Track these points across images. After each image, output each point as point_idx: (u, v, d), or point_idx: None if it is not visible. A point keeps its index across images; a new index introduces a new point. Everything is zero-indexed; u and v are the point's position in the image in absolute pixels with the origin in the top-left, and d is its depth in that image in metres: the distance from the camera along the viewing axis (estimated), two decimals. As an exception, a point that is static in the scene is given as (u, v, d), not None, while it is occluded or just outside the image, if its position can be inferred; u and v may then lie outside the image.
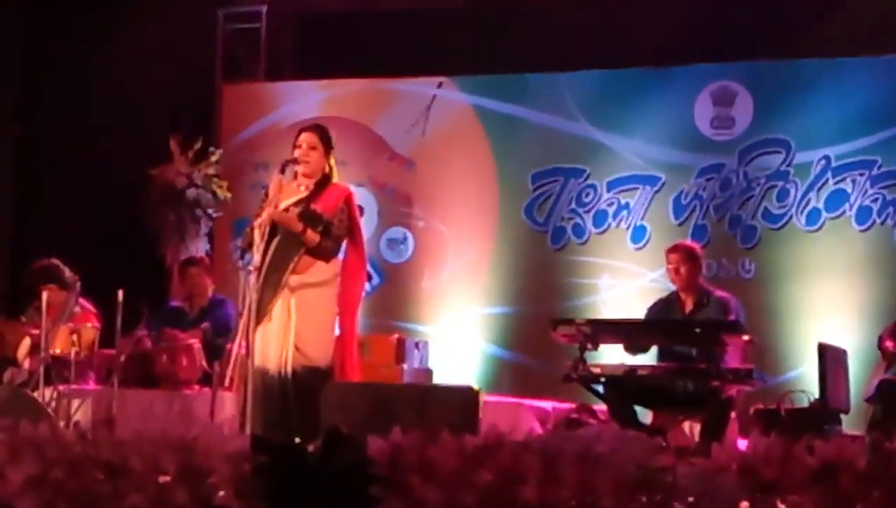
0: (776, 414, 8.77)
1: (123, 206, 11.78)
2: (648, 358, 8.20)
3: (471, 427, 5.66)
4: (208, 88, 12.73)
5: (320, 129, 7.57)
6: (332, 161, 7.50)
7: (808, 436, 3.71)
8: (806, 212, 11.00)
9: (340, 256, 7.42)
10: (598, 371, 7.76)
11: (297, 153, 7.40)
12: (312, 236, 7.22)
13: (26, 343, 9.05)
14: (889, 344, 8.92)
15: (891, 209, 10.79)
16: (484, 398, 6.87)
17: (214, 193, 11.94)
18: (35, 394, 8.26)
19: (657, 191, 11.38)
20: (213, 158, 11.96)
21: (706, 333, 7.72)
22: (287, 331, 7.14)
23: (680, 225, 11.24)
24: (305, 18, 12.87)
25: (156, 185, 11.88)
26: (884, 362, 9.04)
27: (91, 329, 8.92)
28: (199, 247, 11.85)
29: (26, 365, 8.94)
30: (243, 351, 7.08)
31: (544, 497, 3.41)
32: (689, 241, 9.43)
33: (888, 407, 8.55)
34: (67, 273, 9.26)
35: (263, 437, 5.60)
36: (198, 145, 11.86)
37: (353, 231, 7.45)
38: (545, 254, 11.65)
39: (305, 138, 7.44)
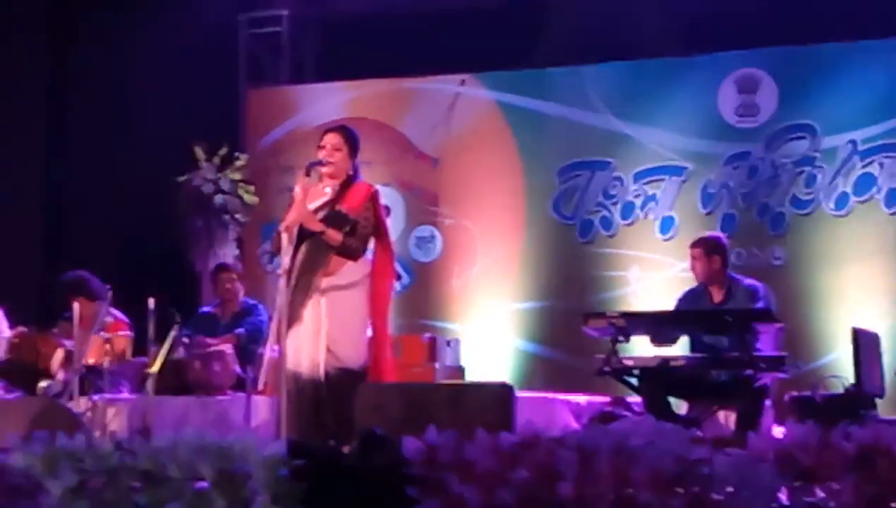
0: (811, 401, 8.73)
1: (152, 215, 11.83)
2: (680, 350, 8.18)
3: (506, 425, 5.65)
4: (232, 93, 12.77)
5: (345, 130, 7.56)
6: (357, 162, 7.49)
7: (845, 422, 3.69)
8: (834, 196, 10.96)
9: (369, 256, 7.40)
10: (631, 363, 7.76)
11: (321, 154, 7.38)
12: (334, 235, 7.19)
13: (59, 354, 9.10)
14: None
15: (919, 190, 10.75)
16: (517, 394, 6.86)
17: (241, 198, 11.96)
18: (70, 405, 8.29)
19: (684, 182, 11.35)
20: (239, 163, 12.00)
21: (738, 322, 7.69)
22: (319, 334, 7.12)
23: (708, 214, 11.22)
24: (327, 21, 12.89)
25: (183, 193, 11.91)
26: None
27: (123, 338, 8.96)
28: (228, 253, 11.87)
29: (60, 376, 8.99)
30: (276, 355, 7.09)
31: (582, 492, 3.41)
32: (709, 233, 9.26)
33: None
34: (97, 284, 9.30)
35: (299, 441, 5.61)
36: (223, 151, 11.89)
37: (378, 228, 7.42)
38: (574, 247, 11.64)
39: (330, 139, 7.43)
